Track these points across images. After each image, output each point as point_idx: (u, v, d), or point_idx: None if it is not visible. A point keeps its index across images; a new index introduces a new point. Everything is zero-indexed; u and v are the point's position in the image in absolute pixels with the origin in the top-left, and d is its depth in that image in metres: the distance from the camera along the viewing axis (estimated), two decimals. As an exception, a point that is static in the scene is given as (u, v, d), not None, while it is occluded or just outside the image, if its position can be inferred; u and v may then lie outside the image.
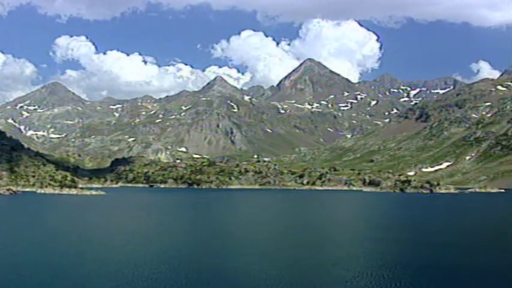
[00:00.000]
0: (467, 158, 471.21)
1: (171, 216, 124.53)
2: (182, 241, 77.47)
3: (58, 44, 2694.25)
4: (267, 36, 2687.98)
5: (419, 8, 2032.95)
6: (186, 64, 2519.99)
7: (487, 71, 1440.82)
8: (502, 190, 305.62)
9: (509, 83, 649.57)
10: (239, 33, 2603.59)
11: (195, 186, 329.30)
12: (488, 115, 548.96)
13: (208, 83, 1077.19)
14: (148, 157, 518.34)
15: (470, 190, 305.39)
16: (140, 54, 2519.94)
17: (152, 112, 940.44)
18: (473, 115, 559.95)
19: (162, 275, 50.72)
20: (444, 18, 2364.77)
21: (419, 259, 61.77)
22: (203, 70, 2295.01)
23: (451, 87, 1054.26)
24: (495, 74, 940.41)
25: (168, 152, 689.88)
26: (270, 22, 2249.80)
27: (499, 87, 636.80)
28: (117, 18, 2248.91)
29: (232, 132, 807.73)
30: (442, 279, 50.94)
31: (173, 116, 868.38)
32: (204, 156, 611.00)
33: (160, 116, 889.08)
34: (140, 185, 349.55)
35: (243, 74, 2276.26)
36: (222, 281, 49.28)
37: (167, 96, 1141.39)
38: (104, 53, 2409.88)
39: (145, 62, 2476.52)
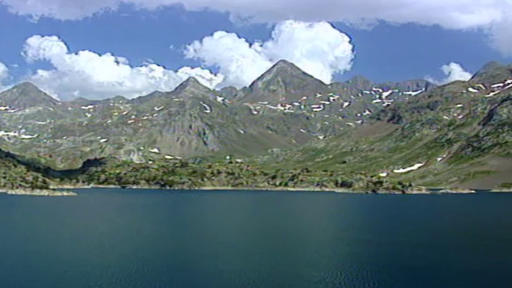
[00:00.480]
0: (439, 159, 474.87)
1: (143, 218, 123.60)
2: (153, 243, 77.03)
3: (29, 43, 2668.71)
4: (239, 37, 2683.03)
5: (391, 11, 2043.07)
6: (158, 65, 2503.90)
7: (458, 73, 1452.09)
8: (473, 191, 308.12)
9: (480, 85, 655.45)
10: (212, 34, 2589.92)
11: (168, 187, 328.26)
12: (460, 117, 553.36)
13: (181, 84, 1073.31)
14: (120, 158, 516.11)
15: (441, 191, 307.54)
16: (112, 54, 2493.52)
17: (124, 113, 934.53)
18: (445, 117, 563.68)
19: (133, 276, 50.39)
20: (416, 20, 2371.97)
21: (393, 260, 62.08)
22: (176, 71, 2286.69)
23: (423, 89, 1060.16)
24: (466, 76, 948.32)
25: (140, 153, 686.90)
26: (242, 23, 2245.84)
27: (470, 89, 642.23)
28: (89, 18, 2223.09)
29: (204, 133, 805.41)
30: (414, 279, 51.27)
31: (145, 117, 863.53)
32: (177, 157, 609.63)
33: (133, 116, 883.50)
34: (112, 186, 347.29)
35: (215, 75, 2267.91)
36: (194, 282, 48.95)
37: (139, 97, 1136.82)
38: (76, 53, 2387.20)
39: (117, 62, 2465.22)
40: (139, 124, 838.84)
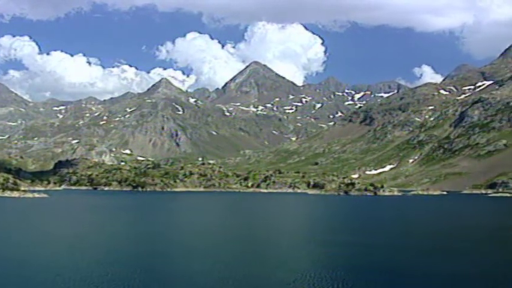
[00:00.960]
0: (410, 161, 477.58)
1: (114, 220, 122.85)
2: (123, 245, 76.26)
3: (0, 43, 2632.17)
4: (212, 38, 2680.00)
5: (363, 13, 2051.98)
6: (130, 66, 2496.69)
7: (429, 75, 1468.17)
8: (444, 192, 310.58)
9: (451, 87, 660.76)
10: (184, 36, 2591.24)
11: (140, 189, 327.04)
12: (431, 119, 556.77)
13: (153, 85, 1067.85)
14: (92, 159, 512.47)
15: (413, 192, 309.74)
16: (84, 55, 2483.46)
17: (96, 114, 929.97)
18: (417, 119, 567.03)
19: (101, 279, 49.86)
20: (388, 23, 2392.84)
21: (364, 261, 62.04)
22: (148, 72, 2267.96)
23: (395, 91, 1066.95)
24: (437, 78, 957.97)
25: (112, 155, 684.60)
26: (215, 24, 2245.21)
27: (442, 91, 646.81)
28: (61, 19, 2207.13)
29: (177, 135, 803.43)
30: (384, 280, 51.31)
31: (118, 118, 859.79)
32: (149, 158, 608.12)
33: (105, 118, 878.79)
34: (84, 188, 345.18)
35: (188, 76, 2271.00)
36: (163, 285, 48.61)
37: (111, 98, 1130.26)
38: (48, 54, 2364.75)
39: (89, 63, 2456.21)
40: (111, 125, 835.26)
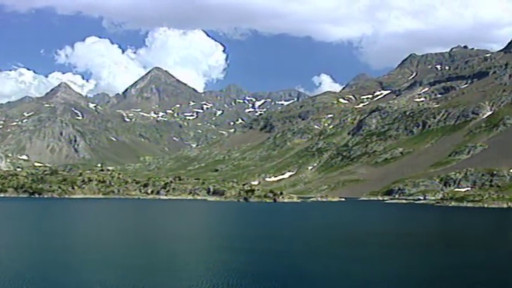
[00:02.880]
0: (310, 168, 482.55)
1: (6, 228, 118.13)
2: (16, 254, 73.51)
3: None
4: (112, 43, 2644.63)
5: (263, 21, 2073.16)
6: (28, 69, 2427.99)
7: (328, 84, 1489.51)
8: (343, 199, 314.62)
9: (350, 96, 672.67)
10: (84, 40, 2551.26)
11: (37, 196, 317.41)
12: (330, 127, 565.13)
13: (52, 89, 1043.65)
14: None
15: (312, 199, 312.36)
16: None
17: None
18: (316, 126, 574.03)
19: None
20: (288, 31, 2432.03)
21: (261, 267, 61.87)
22: (46, 76, 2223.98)
23: (295, 99, 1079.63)
24: (336, 87, 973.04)
25: (8, 160, 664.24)
26: (115, 29, 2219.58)
27: (341, 100, 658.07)
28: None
29: (76, 140, 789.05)
30: (277, 285, 50.74)
31: (14, 123, 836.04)
32: (47, 164, 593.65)
33: (1, 122, 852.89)
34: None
35: (87, 81, 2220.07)
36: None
37: (8, 102, 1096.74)
38: None
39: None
40: (8, 130, 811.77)
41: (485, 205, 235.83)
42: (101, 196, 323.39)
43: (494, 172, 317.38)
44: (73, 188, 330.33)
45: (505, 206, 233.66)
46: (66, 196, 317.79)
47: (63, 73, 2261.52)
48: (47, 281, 52.11)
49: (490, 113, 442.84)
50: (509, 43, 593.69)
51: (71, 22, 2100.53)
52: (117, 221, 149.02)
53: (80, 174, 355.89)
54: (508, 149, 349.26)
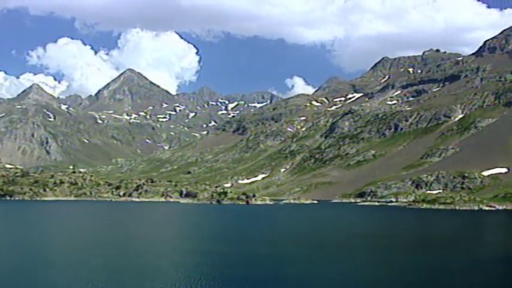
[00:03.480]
0: (282, 170, 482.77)
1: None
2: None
3: None
4: (85, 44, 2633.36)
5: (236, 24, 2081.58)
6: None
7: (301, 86, 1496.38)
8: (315, 201, 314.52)
9: (323, 99, 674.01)
10: (56, 41, 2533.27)
11: (8, 198, 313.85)
12: (303, 129, 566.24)
13: (24, 91, 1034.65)
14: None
15: (285, 201, 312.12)
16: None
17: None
18: (289, 129, 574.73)
19: None
20: (261, 34, 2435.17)
21: (231, 269, 61.29)
22: (18, 77, 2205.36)
23: (268, 101, 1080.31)
24: (309, 90, 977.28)
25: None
26: (88, 30, 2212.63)
27: (314, 102, 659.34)
28: None
29: (47, 142, 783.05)
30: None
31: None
32: (18, 166, 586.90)
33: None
34: None
35: (59, 82, 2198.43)
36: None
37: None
38: None
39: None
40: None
41: (457, 207, 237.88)
42: (72, 198, 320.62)
43: (466, 175, 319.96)
44: (45, 190, 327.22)
45: (476, 208, 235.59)
46: (38, 198, 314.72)
47: (35, 74, 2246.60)
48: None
49: (461, 116, 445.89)
50: (481, 47, 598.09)
51: (43, 23, 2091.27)
52: (88, 223, 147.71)
53: (52, 177, 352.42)
54: (479, 152, 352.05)
